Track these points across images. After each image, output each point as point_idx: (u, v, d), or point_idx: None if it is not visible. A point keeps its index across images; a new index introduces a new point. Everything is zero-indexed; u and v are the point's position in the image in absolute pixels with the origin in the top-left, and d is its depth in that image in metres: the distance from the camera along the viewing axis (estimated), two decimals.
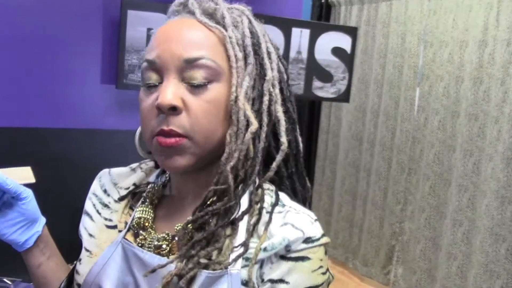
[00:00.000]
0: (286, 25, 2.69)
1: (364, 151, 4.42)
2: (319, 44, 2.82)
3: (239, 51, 0.81)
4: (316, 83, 2.86)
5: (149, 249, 0.83)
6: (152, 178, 0.96)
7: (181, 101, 0.76)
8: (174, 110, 0.76)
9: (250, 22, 0.86)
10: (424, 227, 3.76)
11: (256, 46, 0.83)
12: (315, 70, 2.83)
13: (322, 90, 2.90)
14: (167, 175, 0.94)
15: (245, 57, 0.82)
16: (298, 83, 2.81)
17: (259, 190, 0.83)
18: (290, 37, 2.73)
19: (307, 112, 5.09)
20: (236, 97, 0.79)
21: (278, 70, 0.87)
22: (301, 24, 2.76)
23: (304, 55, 2.80)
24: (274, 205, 0.82)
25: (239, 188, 0.80)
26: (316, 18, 4.87)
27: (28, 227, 0.92)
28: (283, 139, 0.83)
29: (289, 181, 0.91)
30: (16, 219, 0.91)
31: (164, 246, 0.83)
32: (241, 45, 0.82)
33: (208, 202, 0.79)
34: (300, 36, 2.76)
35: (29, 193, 0.91)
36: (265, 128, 0.81)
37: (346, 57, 2.91)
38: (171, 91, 0.76)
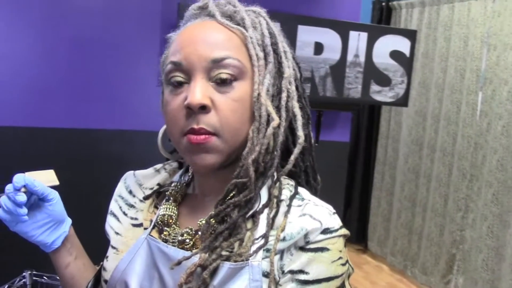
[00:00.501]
0: (343, 28, 2.68)
1: (425, 157, 4.33)
2: (377, 47, 2.79)
3: (260, 51, 0.85)
4: (374, 87, 2.83)
5: (173, 244, 0.86)
6: (175, 178, 0.99)
7: (209, 100, 0.79)
8: (203, 109, 0.79)
9: (267, 23, 0.89)
10: (486, 236, 3.64)
11: (274, 45, 0.88)
12: (373, 73, 2.80)
13: (380, 94, 2.86)
14: (190, 174, 0.97)
15: (265, 56, 0.86)
16: (355, 86, 2.78)
17: (278, 184, 0.86)
18: (347, 40, 2.71)
19: (367, 117, 5.05)
20: (259, 94, 0.82)
21: (293, 68, 0.91)
22: (359, 27, 2.74)
23: (362, 58, 2.77)
24: (292, 197, 0.85)
25: (259, 180, 0.84)
26: (377, 21, 4.82)
27: (56, 227, 0.96)
28: (300, 133, 0.87)
29: (305, 174, 0.95)
30: (44, 220, 0.94)
31: (187, 240, 0.86)
32: (261, 45, 0.86)
33: (230, 196, 0.82)
34: (358, 40, 2.74)
35: (55, 195, 0.95)
36: (283, 123, 0.85)
37: (405, 61, 2.86)
38: (200, 91, 0.79)
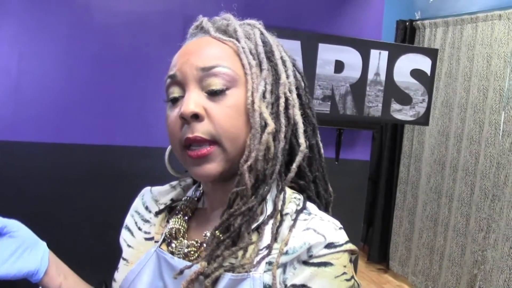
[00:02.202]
0: (364, 47, 2.70)
1: (447, 176, 4.31)
2: (398, 66, 2.80)
3: (252, 59, 0.86)
4: (395, 106, 2.84)
5: (179, 256, 0.88)
6: (189, 193, 1.00)
7: (203, 109, 0.81)
8: (196, 117, 0.80)
9: (261, 33, 0.92)
10: (508, 256, 3.59)
11: (269, 53, 0.89)
12: (393, 92, 2.81)
13: (401, 112, 2.87)
14: (201, 189, 0.98)
15: (260, 65, 0.87)
16: (376, 105, 2.79)
17: (282, 194, 0.86)
18: (368, 58, 2.73)
19: (389, 136, 5.04)
20: (252, 100, 0.83)
21: (295, 77, 0.91)
22: (380, 45, 2.75)
23: (383, 77, 2.78)
24: (299, 211, 0.85)
25: (261, 188, 0.84)
26: (400, 41, 4.84)
27: (31, 251, 0.89)
28: (301, 140, 0.87)
29: (314, 185, 0.94)
30: (11, 250, 0.86)
31: (192, 252, 0.87)
32: (255, 54, 0.87)
33: (235, 207, 0.82)
34: (379, 58, 2.76)
35: (14, 223, 0.89)
36: (283, 129, 0.85)
37: (426, 80, 2.87)
38: (193, 100, 0.81)
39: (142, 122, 2.35)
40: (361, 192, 2.98)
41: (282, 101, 0.86)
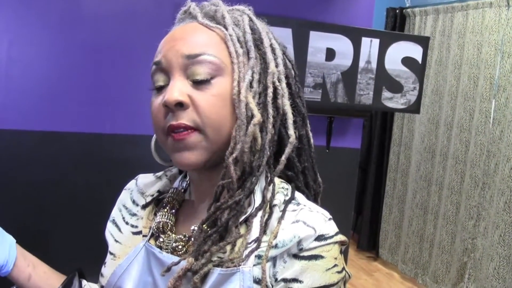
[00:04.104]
0: (355, 35, 2.67)
1: (437, 164, 4.31)
2: (389, 54, 2.78)
3: (239, 47, 0.83)
4: (386, 94, 2.82)
5: (167, 251, 0.85)
6: (175, 184, 0.98)
7: (187, 97, 0.78)
8: (181, 106, 0.78)
9: (250, 19, 0.88)
10: (498, 244, 3.61)
11: (258, 41, 0.86)
12: (384, 80, 2.79)
13: (392, 100, 2.85)
14: (187, 179, 0.96)
15: (247, 53, 0.84)
16: (367, 93, 2.78)
17: (271, 186, 0.84)
18: (359, 46, 2.71)
19: (379, 124, 5.04)
20: (238, 91, 0.80)
21: (285, 65, 0.89)
22: (371, 33, 2.73)
23: (374, 65, 2.76)
24: (288, 202, 0.84)
25: (248, 181, 0.81)
26: (390, 29, 4.83)
27: None
28: (291, 131, 0.85)
29: (303, 175, 0.93)
30: None
31: (180, 247, 0.85)
32: (242, 42, 0.84)
33: (222, 200, 0.80)
34: (370, 46, 2.74)
35: None
36: (271, 120, 0.83)
37: (417, 67, 2.85)
38: (177, 88, 0.78)
39: (132, 110, 2.32)
40: (351, 180, 2.97)
41: (270, 91, 0.84)
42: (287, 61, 0.91)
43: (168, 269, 0.79)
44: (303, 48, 2.57)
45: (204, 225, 0.80)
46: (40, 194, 2.25)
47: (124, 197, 1.04)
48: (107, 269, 0.91)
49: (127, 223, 0.98)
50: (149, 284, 0.85)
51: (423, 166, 4.48)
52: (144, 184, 1.02)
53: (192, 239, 0.84)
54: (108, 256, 0.95)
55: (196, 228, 0.84)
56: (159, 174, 1.03)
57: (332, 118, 2.83)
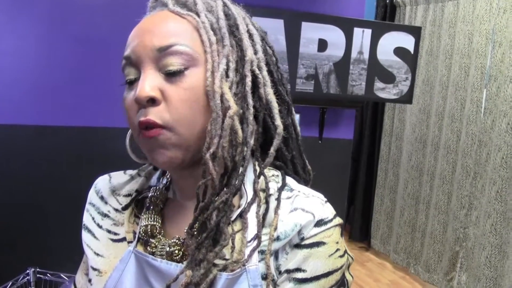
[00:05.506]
0: (347, 25, 2.66)
1: (428, 154, 4.32)
2: (381, 44, 2.77)
3: (213, 35, 0.77)
4: (378, 84, 2.82)
5: (161, 257, 0.80)
6: (153, 181, 0.93)
7: (159, 92, 0.74)
8: (152, 102, 0.74)
9: (225, 5, 0.83)
10: (489, 233, 3.63)
11: (233, 27, 0.81)
12: (377, 70, 2.79)
13: (384, 91, 2.85)
14: (168, 176, 0.91)
15: (221, 40, 0.79)
16: (359, 83, 2.77)
17: (261, 178, 0.81)
18: (351, 37, 2.70)
19: (370, 114, 5.04)
20: (212, 81, 0.75)
21: (265, 52, 0.84)
22: (363, 24, 2.72)
23: (366, 55, 2.76)
24: (281, 189, 0.80)
25: (232, 177, 0.77)
26: (381, 19, 4.81)
27: None
28: (278, 122, 0.81)
29: (292, 164, 0.90)
30: None
31: (176, 251, 0.80)
32: (216, 29, 0.79)
33: (206, 201, 0.75)
34: (362, 36, 2.73)
35: None
36: (251, 111, 0.78)
37: (409, 58, 2.85)
38: (149, 83, 0.74)
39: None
40: (344, 171, 2.98)
41: (248, 79, 0.78)
42: (267, 47, 0.86)
43: (177, 278, 0.74)
44: (295, 39, 2.56)
45: (193, 229, 0.76)
46: (33, 188, 2.24)
47: (91, 195, 0.96)
48: (96, 286, 0.85)
49: (99, 226, 0.91)
50: None
51: (415, 156, 4.49)
52: (116, 181, 0.96)
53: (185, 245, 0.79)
54: (92, 272, 0.87)
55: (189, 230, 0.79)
56: (131, 172, 0.97)
57: (324, 109, 2.82)
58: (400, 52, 2.83)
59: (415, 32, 2.86)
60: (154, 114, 0.73)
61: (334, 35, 2.64)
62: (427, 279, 4.27)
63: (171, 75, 0.75)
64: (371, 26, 2.75)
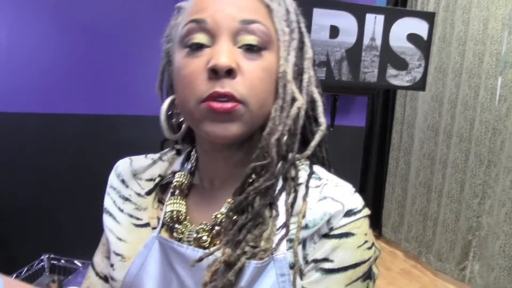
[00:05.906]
0: (359, 11, 2.63)
1: (440, 143, 4.27)
2: (394, 30, 2.73)
3: (285, 26, 0.79)
4: (391, 71, 2.78)
5: (189, 243, 0.80)
6: (176, 166, 0.91)
7: (236, 65, 0.72)
8: (230, 73, 0.72)
9: (291, 1, 0.84)
10: (504, 222, 3.58)
11: (300, 23, 0.83)
12: (389, 57, 2.75)
13: (397, 78, 2.81)
14: (193, 161, 0.90)
15: (291, 32, 0.80)
16: (371, 70, 2.73)
17: (292, 168, 0.81)
18: (363, 23, 2.66)
19: (382, 102, 5.00)
20: (285, 70, 0.77)
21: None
22: (375, 9, 2.68)
23: (378, 42, 2.72)
24: (309, 176, 0.80)
25: (279, 165, 0.78)
26: (393, 5, 4.78)
27: None
28: (322, 119, 0.83)
29: (319, 152, 0.90)
30: None
31: (204, 237, 0.79)
32: (286, 21, 0.81)
33: (256, 184, 0.75)
34: (374, 23, 2.69)
35: None
36: (304, 106, 0.80)
37: (423, 44, 2.80)
38: (228, 53, 0.72)
39: (134, 90, 2.30)
40: (356, 159, 2.96)
41: (306, 76, 0.81)
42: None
43: (201, 259, 0.74)
44: (307, 25, 2.52)
45: (231, 212, 0.76)
46: (43, 176, 2.26)
47: (111, 178, 0.95)
48: (118, 272, 0.84)
49: (121, 209, 0.90)
50: (173, 281, 0.79)
51: (426, 144, 4.44)
52: (137, 165, 0.94)
53: (217, 227, 0.79)
54: (115, 257, 0.86)
55: (219, 215, 0.79)
56: (153, 156, 0.96)
57: (336, 96, 2.80)
58: (413, 38, 2.78)
59: (429, 18, 2.81)
60: (232, 87, 0.72)
61: (346, 22, 2.60)
62: (439, 268, 4.24)
63: (249, 51, 0.75)
64: (383, 12, 2.70)
